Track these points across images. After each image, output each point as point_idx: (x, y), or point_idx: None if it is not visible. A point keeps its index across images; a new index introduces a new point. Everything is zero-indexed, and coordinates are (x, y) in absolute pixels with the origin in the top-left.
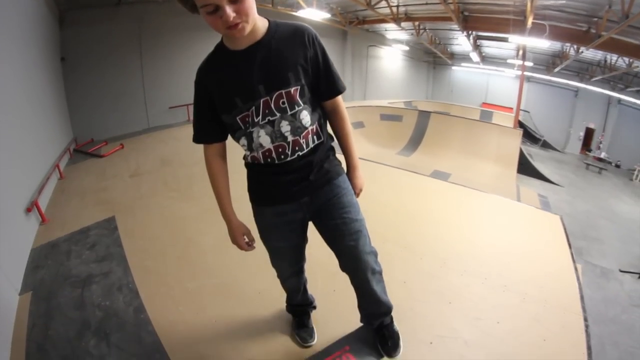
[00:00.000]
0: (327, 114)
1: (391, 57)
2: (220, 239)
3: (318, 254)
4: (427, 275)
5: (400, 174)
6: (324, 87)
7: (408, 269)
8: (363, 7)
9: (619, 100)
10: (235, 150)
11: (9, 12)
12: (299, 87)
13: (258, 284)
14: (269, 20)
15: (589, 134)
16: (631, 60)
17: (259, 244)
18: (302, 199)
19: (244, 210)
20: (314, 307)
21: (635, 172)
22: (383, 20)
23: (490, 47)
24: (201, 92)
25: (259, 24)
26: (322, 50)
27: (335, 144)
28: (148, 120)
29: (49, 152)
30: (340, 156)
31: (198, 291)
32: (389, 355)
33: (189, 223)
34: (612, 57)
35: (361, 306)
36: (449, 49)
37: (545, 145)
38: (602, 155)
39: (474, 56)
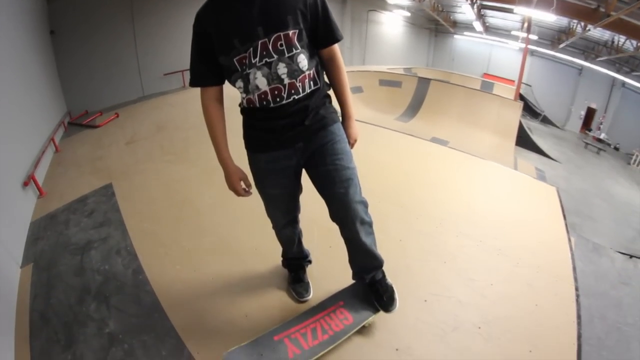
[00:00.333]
0: (324, 63)
1: (392, 23)
2: (216, 198)
3: (314, 210)
4: (423, 234)
5: (398, 137)
6: (322, 34)
7: (404, 227)
8: None
9: (623, 83)
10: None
11: None
12: (297, 31)
13: (254, 240)
14: None
15: (590, 113)
16: (639, 43)
17: (255, 194)
18: (297, 145)
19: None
20: (310, 262)
21: (634, 157)
22: None
23: (495, 18)
24: (199, 34)
25: None
26: None
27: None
28: (143, 89)
29: (43, 126)
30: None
31: (195, 250)
32: (386, 310)
33: (185, 185)
34: (620, 39)
35: (352, 260)
36: (451, 17)
37: (545, 120)
38: (602, 136)
39: (478, 26)
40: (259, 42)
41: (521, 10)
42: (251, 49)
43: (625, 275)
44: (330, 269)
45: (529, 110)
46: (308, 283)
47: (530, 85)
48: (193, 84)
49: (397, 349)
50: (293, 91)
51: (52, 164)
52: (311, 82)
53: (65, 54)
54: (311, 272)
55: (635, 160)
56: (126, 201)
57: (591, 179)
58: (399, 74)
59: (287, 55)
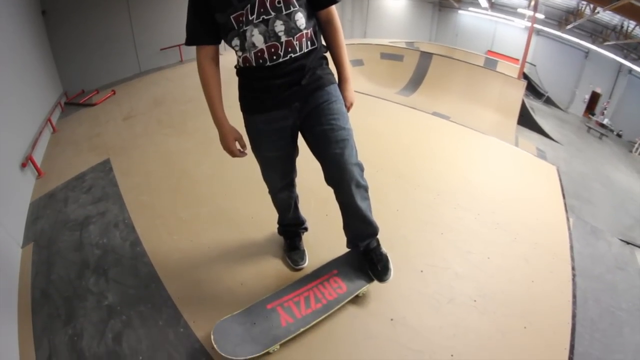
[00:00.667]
0: (321, 26)
1: None
2: (213, 168)
3: (311, 178)
4: (420, 205)
5: (398, 109)
6: None
7: (401, 197)
8: None
9: (630, 70)
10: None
11: None
12: None
13: (250, 209)
14: None
15: (594, 98)
16: None
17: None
18: (293, 105)
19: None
20: (306, 229)
21: (636, 145)
22: None
23: None
24: None
25: None
26: None
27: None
28: (139, 65)
29: (39, 108)
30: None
31: (192, 220)
32: (380, 279)
33: (183, 157)
34: (630, 24)
35: (346, 226)
36: None
37: (549, 101)
38: (605, 121)
39: (483, 2)
40: None
41: None
42: (248, 5)
43: (622, 260)
44: (326, 238)
45: (533, 90)
46: (304, 251)
47: (534, 65)
48: (189, 42)
49: (391, 319)
50: (290, 49)
51: (49, 145)
52: (308, 42)
53: (58, 34)
54: (307, 240)
55: (637, 149)
56: (124, 175)
57: (592, 163)
58: (401, 48)
59: (284, 12)
